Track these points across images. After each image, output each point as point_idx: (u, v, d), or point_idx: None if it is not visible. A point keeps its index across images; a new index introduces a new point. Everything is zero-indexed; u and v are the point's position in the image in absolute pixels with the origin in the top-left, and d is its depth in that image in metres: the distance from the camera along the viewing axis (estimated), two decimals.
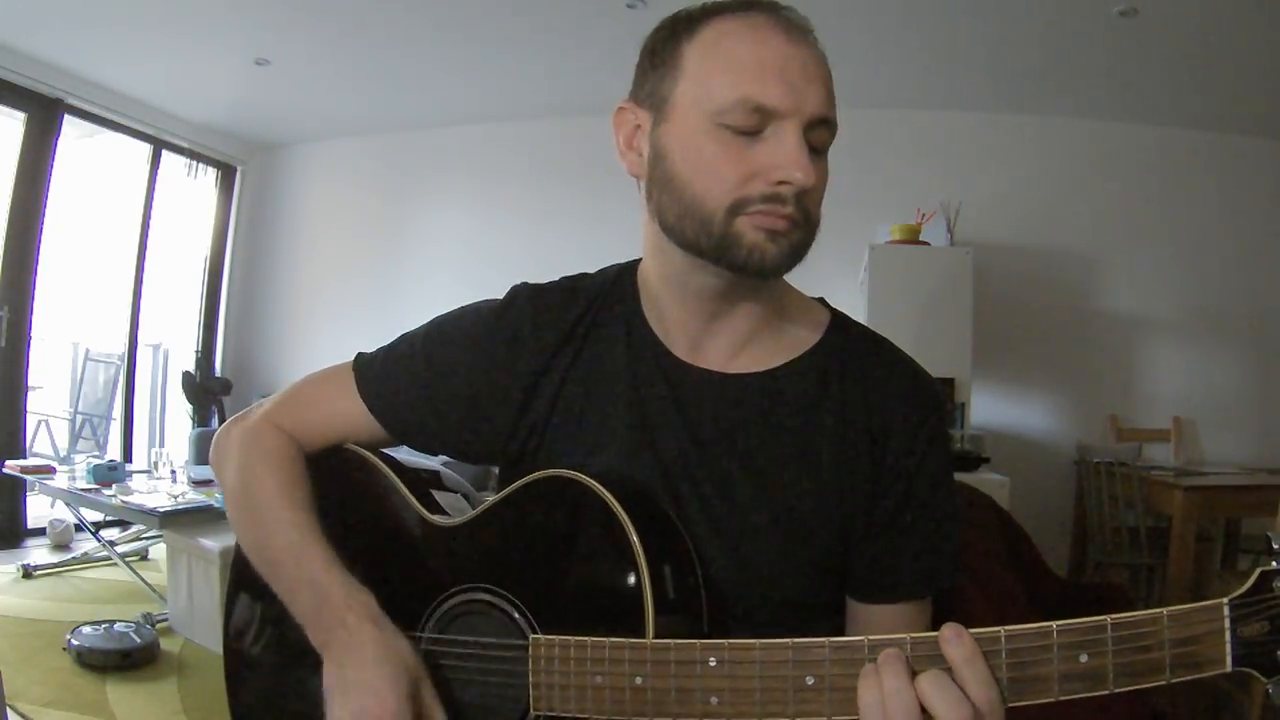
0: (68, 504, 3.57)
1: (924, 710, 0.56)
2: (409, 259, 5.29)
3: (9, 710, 2.24)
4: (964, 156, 4.42)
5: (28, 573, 3.61)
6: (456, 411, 0.85)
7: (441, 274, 5.07)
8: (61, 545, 4.11)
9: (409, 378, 0.86)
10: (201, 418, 5.02)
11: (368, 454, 0.89)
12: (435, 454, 0.91)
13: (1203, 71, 3.70)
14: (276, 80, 4.47)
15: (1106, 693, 0.53)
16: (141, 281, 5.03)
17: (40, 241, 4.32)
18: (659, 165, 0.74)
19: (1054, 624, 0.55)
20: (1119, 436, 4.22)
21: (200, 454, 4.27)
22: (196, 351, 5.46)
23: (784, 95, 0.68)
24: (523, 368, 0.83)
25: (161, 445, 4.92)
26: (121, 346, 5.17)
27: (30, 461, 3.99)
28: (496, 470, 0.90)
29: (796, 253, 0.73)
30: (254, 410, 0.91)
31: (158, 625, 3.00)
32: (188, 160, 5.27)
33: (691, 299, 0.79)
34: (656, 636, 0.66)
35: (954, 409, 3.39)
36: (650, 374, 0.81)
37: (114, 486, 3.44)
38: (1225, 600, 0.51)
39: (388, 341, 0.91)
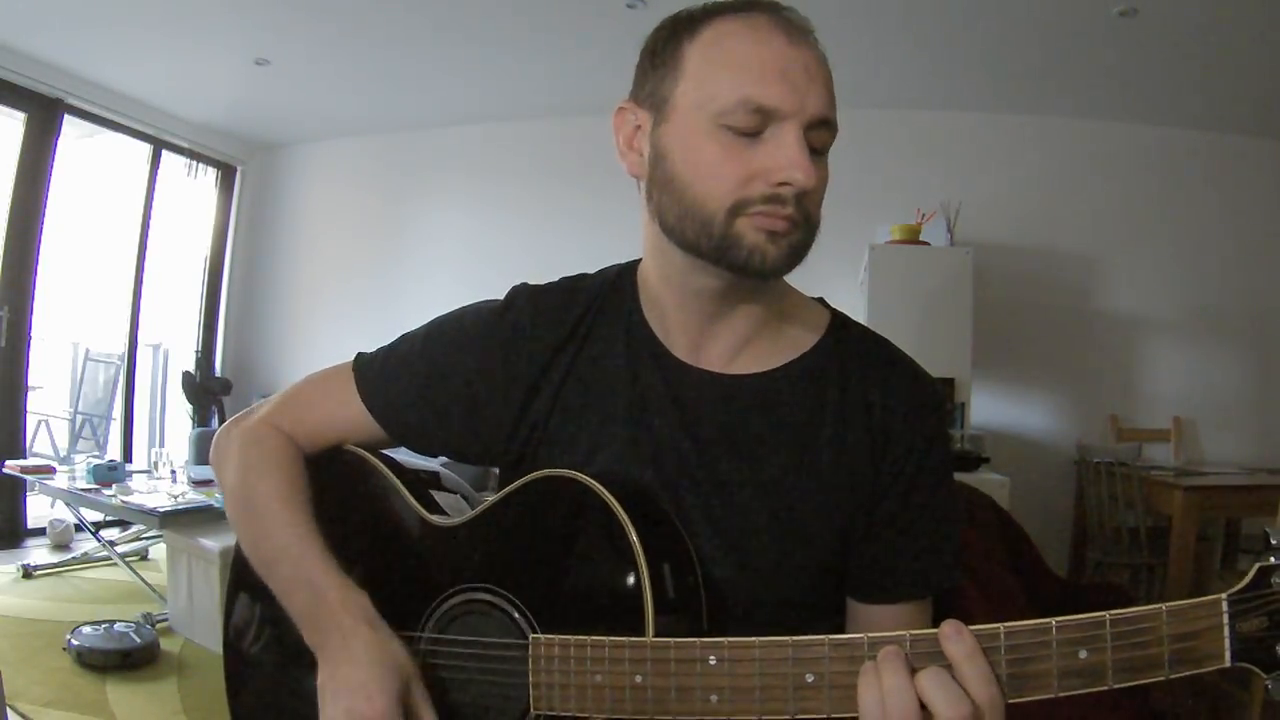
0: (68, 504, 3.57)
1: (924, 707, 0.56)
2: (409, 259, 5.29)
3: (9, 710, 2.24)
4: (964, 156, 4.43)
5: (28, 573, 3.61)
6: (456, 412, 0.85)
7: (441, 274, 5.07)
8: (61, 545, 4.11)
9: (409, 378, 0.86)
10: (201, 418, 5.02)
11: (367, 455, 0.89)
12: (435, 455, 0.91)
13: (1203, 71, 3.71)
14: (276, 80, 4.47)
15: (1106, 688, 0.53)
16: (141, 281, 5.03)
17: (40, 241, 4.32)
18: (659, 166, 0.74)
19: (1053, 620, 0.55)
20: (1119, 436, 4.23)
21: (200, 454, 4.27)
22: (196, 351, 5.46)
23: (785, 96, 0.68)
24: (522, 368, 0.83)
25: (161, 445, 4.92)
26: (121, 346, 5.18)
27: (30, 461, 3.99)
28: (496, 471, 0.90)
29: (797, 254, 0.73)
30: (254, 411, 0.91)
31: (158, 625, 3.00)
32: (188, 160, 5.27)
33: (691, 299, 0.79)
34: (656, 636, 0.66)
35: (954, 409, 3.39)
36: (650, 374, 0.81)
37: (114, 486, 3.44)
38: (1224, 595, 0.51)
39: (387, 342, 0.91)
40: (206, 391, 5.07)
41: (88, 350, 5.63)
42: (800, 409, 0.78)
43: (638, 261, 0.86)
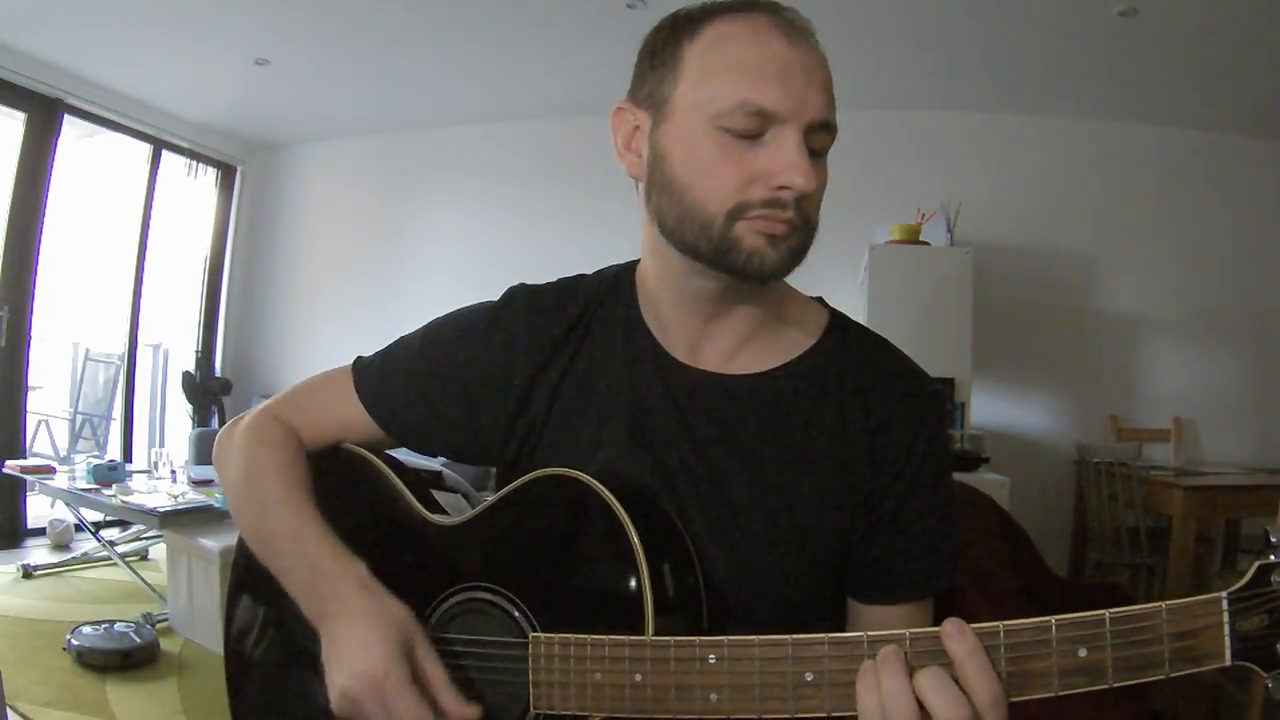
0: (68, 504, 3.57)
1: (923, 707, 0.56)
2: (409, 259, 5.29)
3: (9, 710, 2.24)
4: (964, 156, 4.43)
5: (28, 573, 3.61)
6: (454, 412, 0.85)
7: (441, 274, 5.07)
8: (61, 545, 4.11)
9: (407, 379, 0.86)
10: (201, 418, 5.02)
11: (368, 454, 0.89)
12: (434, 455, 0.91)
13: (1203, 71, 3.71)
14: (276, 80, 4.47)
15: (1106, 687, 0.53)
16: (141, 281, 5.03)
17: (40, 241, 4.32)
18: (658, 167, 0.74)
19: (1053, 618, 0.55)
20: (1119, 436, 4.23)
21: (200, 454, 4.28)
22: (196, 351, 5.46)
23: (785, 99, 0.68)
24: (519, 368, 0.83)
25: (161, 445, 4.92)
26: (121, 346, 5.18)
27: (30, 461, 3.99)
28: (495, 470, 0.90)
29: (795, 257, 0.73)
30: (254, 409, 0.91)
31: (158, 625, 3.00)
32: (188, 160, 5.27)
33: (689, 301, 0.79)
34: (656, 635, 0.66)
35: (954, 409, 3.40)
36: (648, 375, 0.81)
37: (114, 486, 3.44)
38: (1224, 594, 0.51)
39: (387, 344, 0.91)
40: (206, 391, 5.07)
41: (88, 350, 5.64)
42: (799, 409, 0.78)
43: (636, 262, 0.86)
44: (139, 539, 4.03)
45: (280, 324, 5.60)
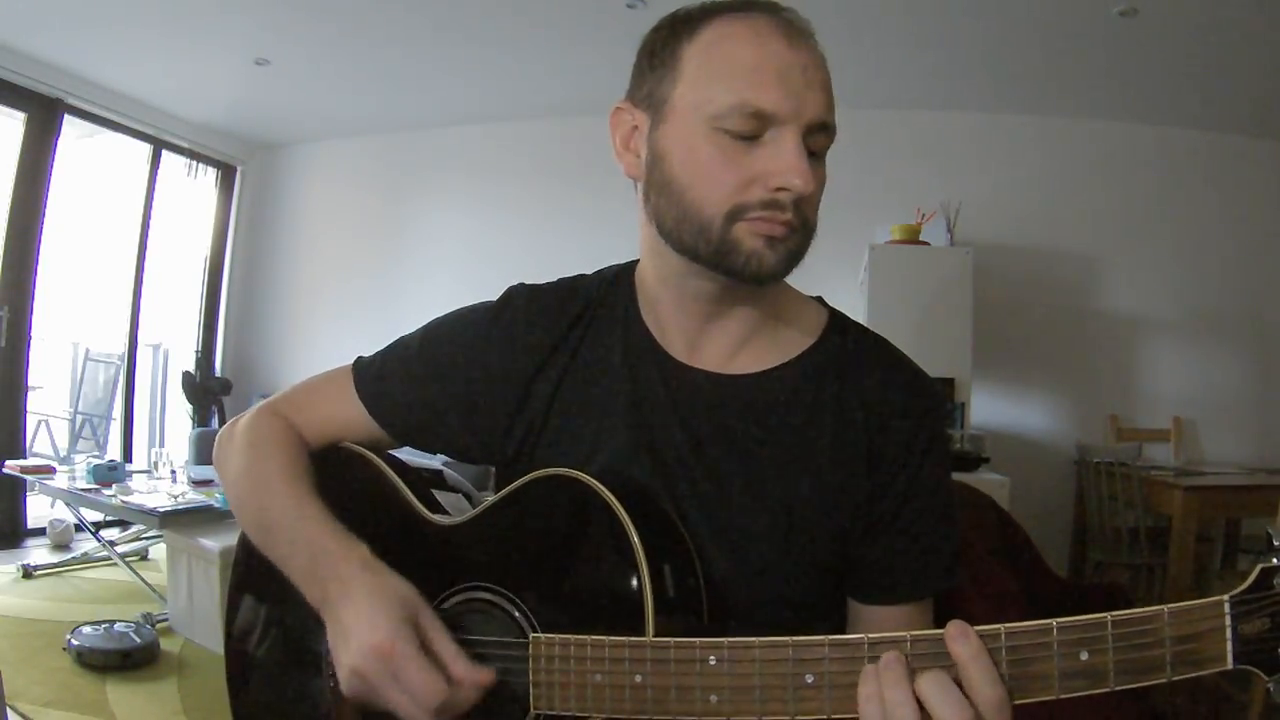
0: (68, 504, 3.57)
1: (925, 710, 0.56)
2: (409, 259, 5.29)
3: (9, 710, 2.24)
4: (964, 156, 4.43)
5: (28, 573, 3.61)
6: (453, 412, 0.85)
7: (441, 274, 5.07)
8: (61, 545, 4.11)
9: (406, 379, 0.87)
10: (201, 418, 5.02)
11: (369, 453, 0.90)
12: (434, 454, 0.92)
13: (1203, 71, 3.71)
14: (276, 80, 4.47)
15: (1107, 690, 0.53)
16: (141, 281, 5.03)
17: (40, 241, 4.32)
18: (657, 168, 0.74)
19: (1054, 621, 0.54)
20: (1119, 436, 4.23)
21: (200, 454, 4.28)
22: (196, 351, 5.46)
23: (784, 100, 0.68)
24: (519, 367, 0.83)
25: (161, 445, 4.92)
26: (121, 346, 5.18)
27: (30, 461, 3.99)
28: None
29: (794, 258, 0.73)
30: (254, 407, 0.91)
31: (158, 625, 3.00)
32: (188, 160, 5.27)
33: (688, 301, 0.79)
34: (656, 636, 0.66)
35: (954, 409, 3.40)
36: (648, 375, 0.81)
37: (114, 486, 3.44)
38: (1226, 597, 0.51)
39: (387, 344, 0.91)
40: (206, 391, 5.07)
41: (88, 350, 5.64)
42: (798, 409, 0.78)
43: (636, 262, 0.86)
44: (139, 539, 4.03)
45: (280, 324, 5.59)
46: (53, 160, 4.36)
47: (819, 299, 0.87)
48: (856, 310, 3.28)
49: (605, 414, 0.81)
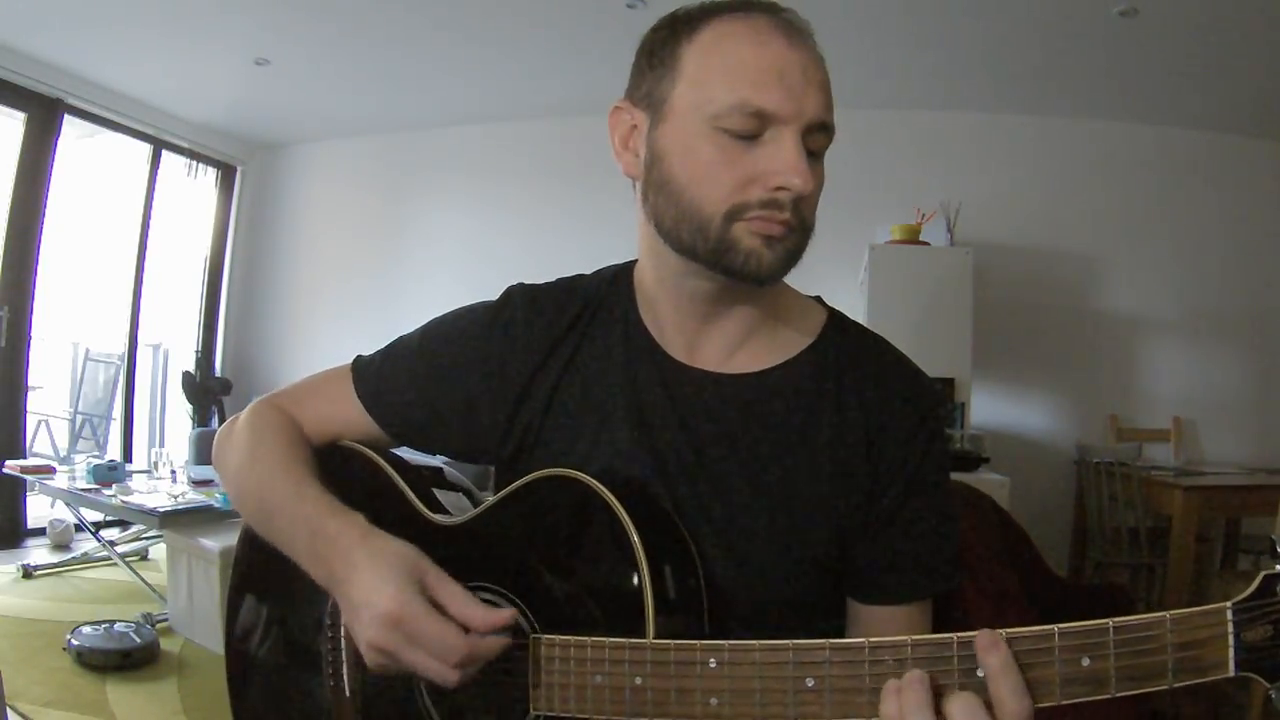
0: (68, 504, 3.57)
1: None
2: (409, 259, 5.29)
3: (9, 710, 2.24)
4: (964, 156, 4.42)
5: (28, 573, 3.61)
6: (452, 411, 0.85)
7: (441, 274, 5.07)
8: (61, 545, 4.11)
9: (405, 379, 0.87)
10: (201, 418, 5.02)
11: (370, 452, 0.90)
12: (433, 453, 0.91)
13: (1203, 71, 3.70)
14: (276, 80, 4.47)
15: (1109, 697, 0.53)
16: (141, 281, 5.03)
17: (40, 241, 4.32)
18: (656, 167, 0.74)
19: (1055, 627, 0.54)
20: (1119, 436, 4.22)
21: (200, 454, 4.27)
22: (196, 351, 5.46)
23: (783, 100, 0.68)
24: (517, 367, 0.83)
25: (161, 445, 4.92)
26: (121, 346, 5.18)
27: (30, 461, 3.99)
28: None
29: (792, 258, 0.73)
30: (253, 402, 0.92)
31: (158, 625, 3.00)
32: (188, 160, 5.27)
33: (686, 301, 0.79)
34: (657, 637, 0.66)
35: (954, 409, 3.39)
36: (647, 375, 0.81)
37: (114, 486, 3.44)
38: (1229, 604, 0.51)
39: (386, 344, 0.91)
40: (206, 391, 5.07)
41: (88, 350, 5.64)
42: (797, 408, 0.78)
43: (635, 262, 0.86)
44: (139, 539, 4.03)
45: (280, 324, 5.59)
46: (53, 160, 4.35)
47: (818, 299, 0.87)
48: (856, 310, 3.28)
49: (604, 414, 0.81)
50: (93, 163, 5.32)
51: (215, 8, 3.63)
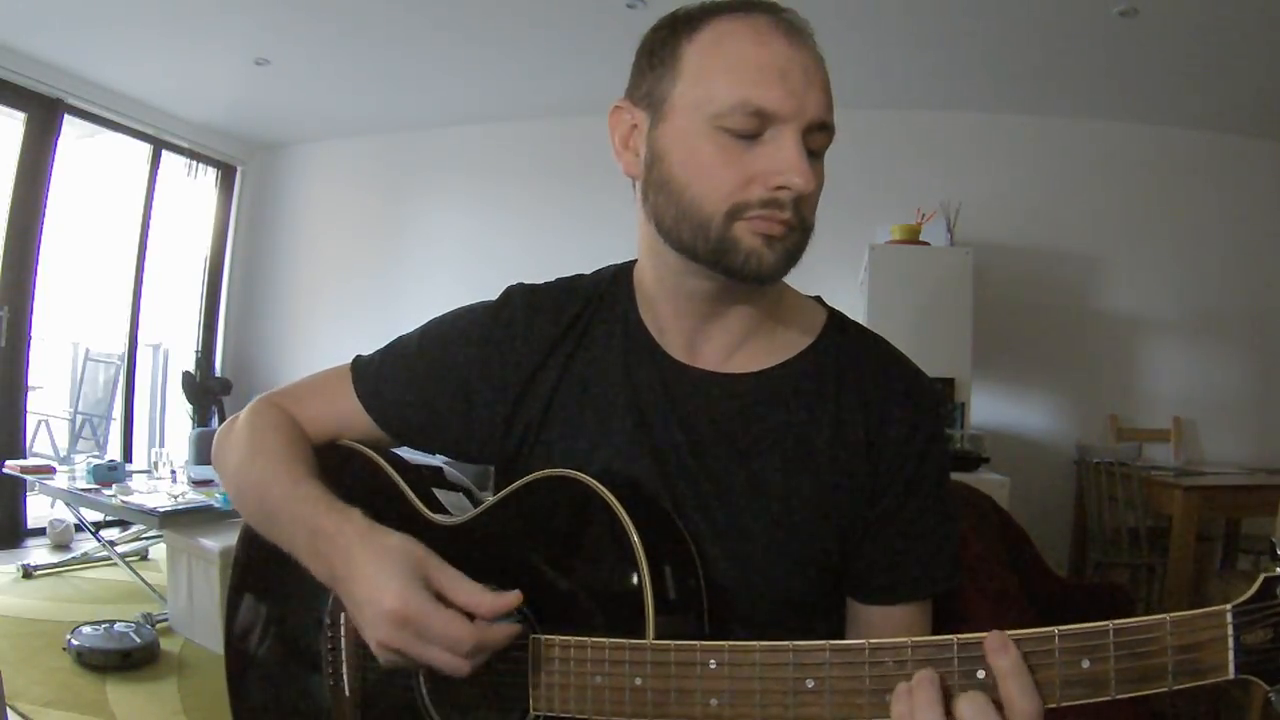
0: (68, 504, 3.57)
1: None
2: (409, 259, 5.29)
3: (9, 710, 2.24)
4: (964, 156, 4.42)
5: (28, 573, 3.61)
6: (451, 411, 0.85)
7: (441, 274, 5.07)
8: (61, 545, 4.11)
9: (405, 378, 0.87)
10: (201, 418, 5.02)
11: (370, 451, 0.90)
12: (433, 453, 0.91)
13: (1203, 71, 3.70)
14: (276, 80, 4.47)
15: (1108, 699, 0.53)
16: (141, 281, 5.03)
17: (40, 241, 4.32)
18: (656, 166, 0.74)
19: (1055, 629, 0.54)
20: (1119, 436, 4.22)
21: (200, 454, 4.27)
22: (196, 351, 5.46)
23: (784, 99, 0.68)
24: (518, 367, 0.83)
25: (161, 445, 4.92)
26: (121, 346, 5.18)
27: (30, 461, 3.99)
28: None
29: (792, 258, 0.73)
30: (253, 401, 0.91)
31: (158, 625, 3.00)
32: (188, 160, 5.27)
33: (686, 301, 0.79)
34: (657, 637, 0.66)
35: (954, 409, 3.39)
36: (647, 374, 0.81)
37: (114, 486, 3.44)
38: (1229, 607, 0.51)
39: (385, 344, 0.91)
40: (206, 391, 5.07)
41: (88, 350, 5.63)
42: (797, 408, 0.78)
43: (634, 262, 0.86)
44: (139, 539, 4.03)
45: (280, 324, 5.59)
46: (53, 160, 4.35)
47: (818, 298, 0.87)
48: (856, 310, 3.28)
49: (604, 414, 0.81)
50: (93, 163, 5.31)
51: (215, 8, 3.63)
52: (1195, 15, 3.23)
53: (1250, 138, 4.27)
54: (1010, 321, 4.26)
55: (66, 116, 4.42)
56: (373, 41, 3.98)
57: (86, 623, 2.81)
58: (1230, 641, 0.51)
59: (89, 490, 3.39)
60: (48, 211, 4.35)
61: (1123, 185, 4.36)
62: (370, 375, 0.88)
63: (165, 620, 3.08)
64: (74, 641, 2.67)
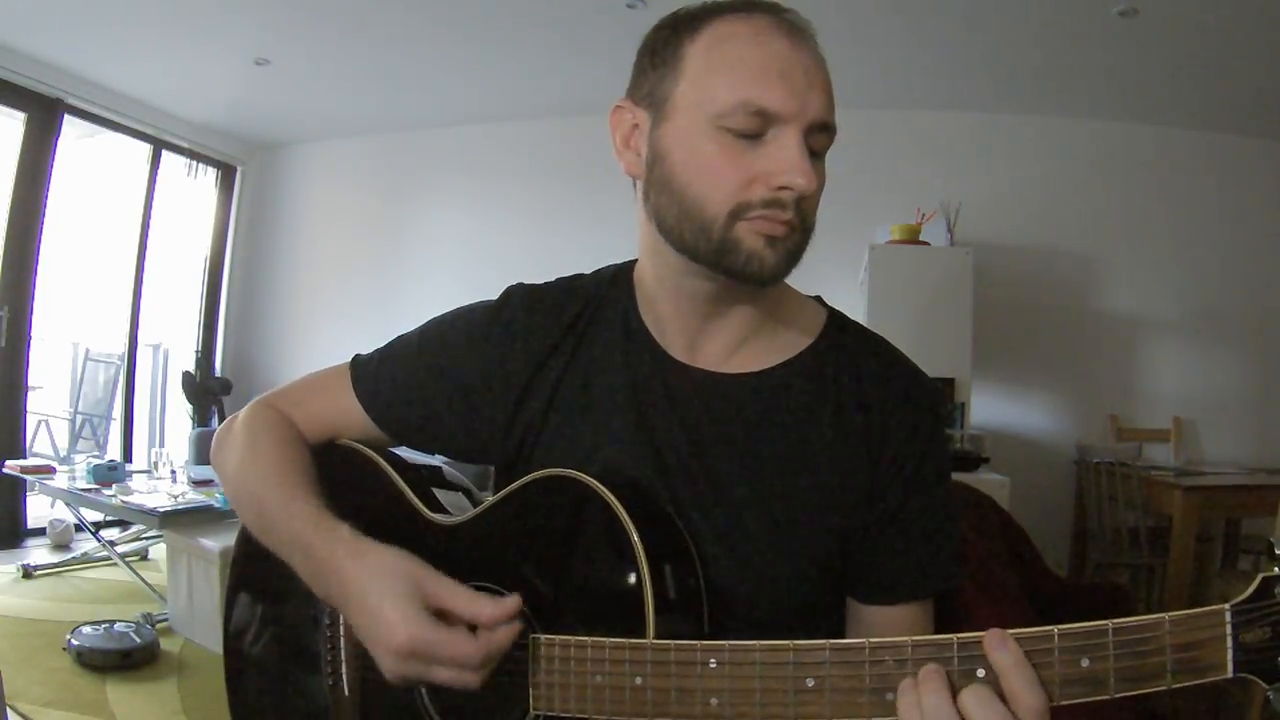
0: (68, 504, 3.57)
1: None
2: (409, 259, 5.29)
3: (9, 710, 2.24)
4: (964, 156, 4.42)
5: (28, 573, 3.61)
6: (452, 411, 0.85)
7: (441, 274, 5.07)
8: (61, 545, 4.11)
9: (405, 378, 0.87)
10: (201, 418, 5.02)
11: (369, 451, 0.89)
12: (432, 453, 0.91)
13: (1203, 71, 3.70)
14: (276, 80, 4.47)
15: (1107, 697, 0.53)
16: (141, 281, 5.03)
17: (40, 241, 4.32)
18: (657, 166, 0.74)
19: (1055, 628, 0.54)
20: (1119, 436, 4.22)
21: (200, 454, 4.27)
22: (196, 351, 5.46)
23: (786, 99, 0.68)
24: (518, 367, 0.83)
25: (161, 445, 4.92)
26: (121, 346, 5.18)
27: (30, 461, 3.99)
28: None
29: (793, 259, 0.73)
30: (250, 403, 0.91)
31: (158, 625, 3.00)
32: (188, 160, 5.27)
33: (687, 301, 0.79)
34: (657, 637, 0.66)
35: (954, 409, 3.39)
36: (647, 374, 0.81)
37: (114, 486, 3.44)
38: (1227, 606, 0.51)
39: (385, 343, 0.91)
40: (206, 391, 5.07)
41: (88, 350, 5.63)
42: (797, 408, 0.78)
43: (634, 261, 0.86)
44: (139, 539, 4.03)
45: (280, 324, 5.59)
46: (53, 160, 4.35)
47: (818, 298, 0.87)
48: (856, 310, 3.27)
49: (605, 414, 0.81)
50: (93, 163, 5.31)
51: (215, 8, 3.63)
52: (1195, 15, 3.23)
53: (1250, 138, 4.27)
54: (1010, 321, 4.26)
55: (66, 116, 4.42)
56: (373, 41, 3.98)
57: (86, 623, 2.81)
58: (1229, 640, 0.51)
59: (89, 490, 3.40)
60: (48, 211, 4.34)
61: (1123, 185, 4.36)
62: (369, 374, 0.88)
63: (165, 620, 3.08)
64: (74, 641, 2.67)
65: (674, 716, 0.64)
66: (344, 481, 0.88)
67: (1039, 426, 4.37)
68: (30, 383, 4.47)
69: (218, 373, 5.43)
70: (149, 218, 5.04)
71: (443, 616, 0.67)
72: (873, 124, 4.28)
